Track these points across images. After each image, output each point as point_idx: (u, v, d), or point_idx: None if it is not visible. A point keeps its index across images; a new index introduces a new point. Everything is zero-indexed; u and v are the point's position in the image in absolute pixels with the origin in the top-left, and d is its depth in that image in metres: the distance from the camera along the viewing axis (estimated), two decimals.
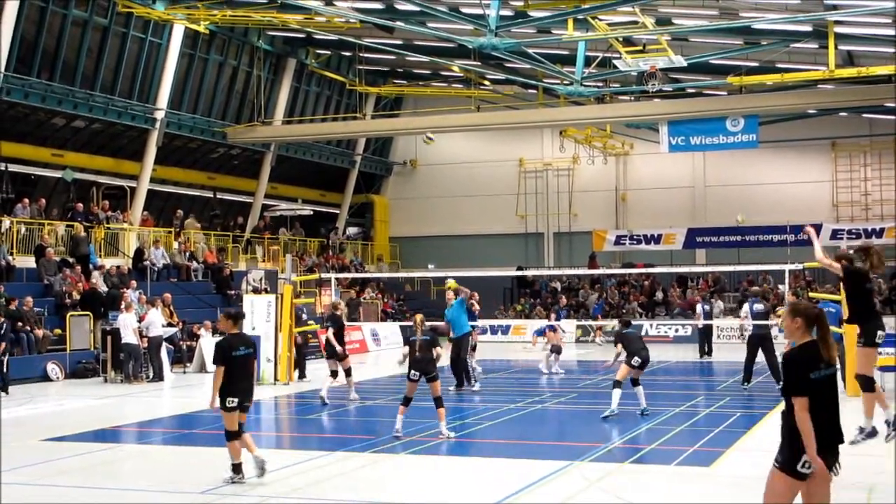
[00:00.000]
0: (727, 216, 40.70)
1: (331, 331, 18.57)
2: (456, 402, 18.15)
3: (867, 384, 10.97)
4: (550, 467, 11.67)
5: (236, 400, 11.00)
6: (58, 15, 28.96)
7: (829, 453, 6.51)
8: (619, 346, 16.24)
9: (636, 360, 15.69)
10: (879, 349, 10.88)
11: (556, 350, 23.68)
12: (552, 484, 10.90)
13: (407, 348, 14.18)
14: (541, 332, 24.96)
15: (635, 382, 15.98)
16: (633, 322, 18.57)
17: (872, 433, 10.82)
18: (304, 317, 24.52)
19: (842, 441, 6.64)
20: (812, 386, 6.41)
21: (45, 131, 31.15)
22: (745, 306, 21.05)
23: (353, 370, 19.00)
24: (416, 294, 44.03)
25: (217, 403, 11.00)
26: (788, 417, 6.49)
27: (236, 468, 11.05)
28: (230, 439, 11.04)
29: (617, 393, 15.58)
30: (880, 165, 39.99)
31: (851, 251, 11.63)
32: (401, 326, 35.85)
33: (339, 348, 18.58)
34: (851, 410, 15.38)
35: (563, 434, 15.48)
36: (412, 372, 13.86)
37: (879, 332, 11.01)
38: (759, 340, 19.61)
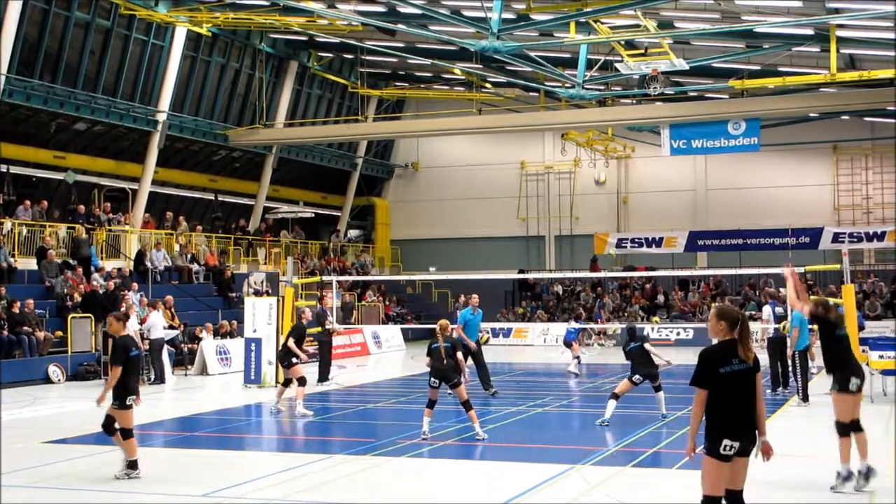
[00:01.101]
0: (729, 219, 40.71)
1: (291, 340, 18.16)
2: (456, 405, 18.12)
3: (840, 429, 10.77)
4: (552, 471, 11.67)
5: (134, 397, 11.58)
6: (60, 17, 28.98)
7: (746, 438, 7.27)
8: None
9: (637, 378, 15.57)
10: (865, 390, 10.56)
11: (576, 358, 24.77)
12: (553, 487, 10.90)
13: (429, 359, 14.09)
14: (574, 336, 25.27)
15: (657, 388, 15.82)
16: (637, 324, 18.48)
17: (848, 477, 10.62)
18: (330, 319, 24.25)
19: (739, 425, 7.31)
20: (721, 379, 7.24)
21: (46, 133, 31.16)
22: (766, 309, 20.96)
23: (306, 381, 17.97)
24: (417, 297, 44.03)
25: (106, 399, 11.58)
26: (713, 406, 7.29)
27: (133, 464, 11.51)
28: (129, 437, 11.54)
29: (612, 404, 15.42)
30: (882, 169, 39.98)
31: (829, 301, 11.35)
32: (402, 329, 35.94)
33: (302, 356, 18.40)
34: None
35: (565, 437, 15.47)
36: (432, 379, 13.84)
37: (853, 380, 10.70)
38: (782, 344, 19.37)
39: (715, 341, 7.56)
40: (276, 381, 22.02)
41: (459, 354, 14.17)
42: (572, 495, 10.56)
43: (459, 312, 20.85)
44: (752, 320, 29.51)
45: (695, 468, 11.80)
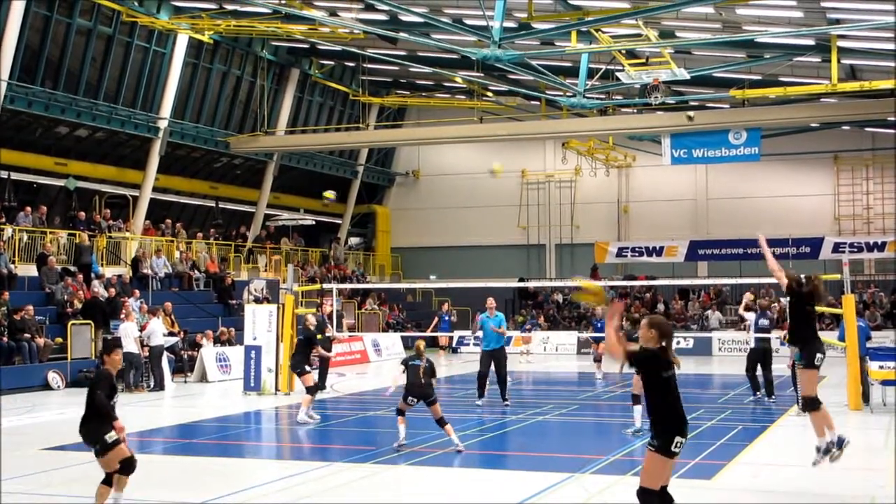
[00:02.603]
0: (729, 229, 40.71)
1: (316, 347, 18.40)
2: (455, 413, 18.10)
3: (811, 405, 11.12)
4: (551, 479, 11.65)
5: None
6: (62, 24, 29.04)
7: (681, 434, 7.79)
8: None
9: None
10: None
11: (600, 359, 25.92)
12: (552, 496, 10.88)
13: (402, 368, 14.07)
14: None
15: (636, 399, 15.23)
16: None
17: (828, 449, 10.86)
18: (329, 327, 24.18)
19: (685, 423, 7.89)
20: (665, 382, 7.78)
21: (48, 140, 31.19)
22: (751, 315, 21.13)
23: (316, 390, 17.98)
24: (418, 305, 44.02)
25: None
26: (661, 408, 7.78)
27: None
28: None
29: (637, 409, 15.04)
30: (882, 179, 40.01)
31: (802, 276, 11.72)
32: (402, 337, 35.94)
33: (327, 354, 18.72)
34: (853, 425, 15.39)
35: (564, 446, 15.44)
36: (409, 398, 13.81)
37: (818, 355, 11.26)
38: (762, 353, 19.66)
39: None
40: (277, 389, 22.03)
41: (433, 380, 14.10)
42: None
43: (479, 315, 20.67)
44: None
45: (695, 476, 11.83)
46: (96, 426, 9.48)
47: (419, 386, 13.72)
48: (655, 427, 7.83)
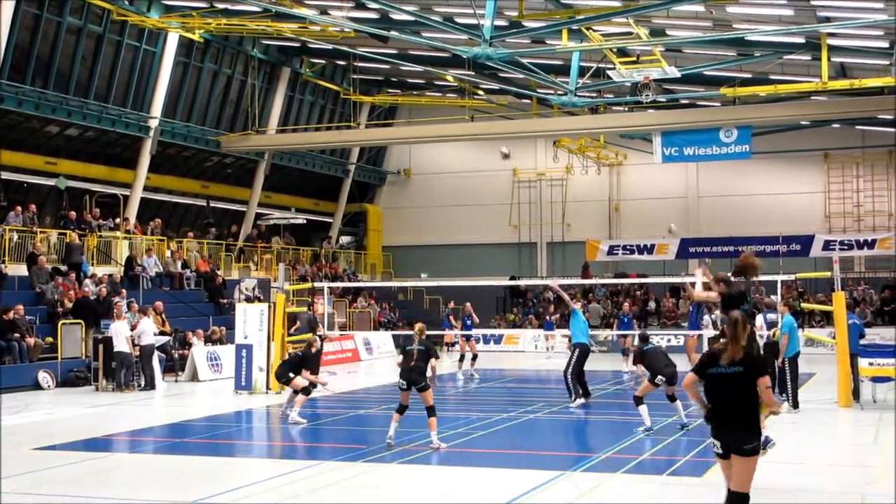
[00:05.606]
0: (720, 227, 40.80)
1: (307, 372, 18.25)
2: (445, 411, 18.11)
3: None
4: (542, 477, 11.66)
5: None
6: (52, 22, 28.95)
7: (731, 436, 7.78)
8: (640, 366, 16.04)
9: (660, 379, 15.21)
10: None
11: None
12: (544, 493, 10.89)
13: (401, 357, 14.15)
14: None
15: (672, 398, 15.40)
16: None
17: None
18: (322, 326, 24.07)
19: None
20: (711, 378, 7.91)
21: (38, 139, 31.09)
22: (759, 318, 21.23)
23: (309, 391, 17.75)
24: (409, 303, 44.02)
25: None
26: None
27: None
28: None
29: (643, 409, 15.12)
30: (872, 177, 40.11)
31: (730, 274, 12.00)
32: (393, 336, 35.89)
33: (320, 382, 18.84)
34: (844, 422, 15.45)
35: (556, 444, 15.46)
36: (400, 381, 13.87)
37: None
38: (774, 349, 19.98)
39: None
40: (268, 388, 22.00)
41: (433, 361, 14.09)
42: (562, 502, 10.55)
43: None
44: None
45: (684, 474, 11.86)
46: None
47: (407, 370, 13.78)
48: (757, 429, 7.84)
